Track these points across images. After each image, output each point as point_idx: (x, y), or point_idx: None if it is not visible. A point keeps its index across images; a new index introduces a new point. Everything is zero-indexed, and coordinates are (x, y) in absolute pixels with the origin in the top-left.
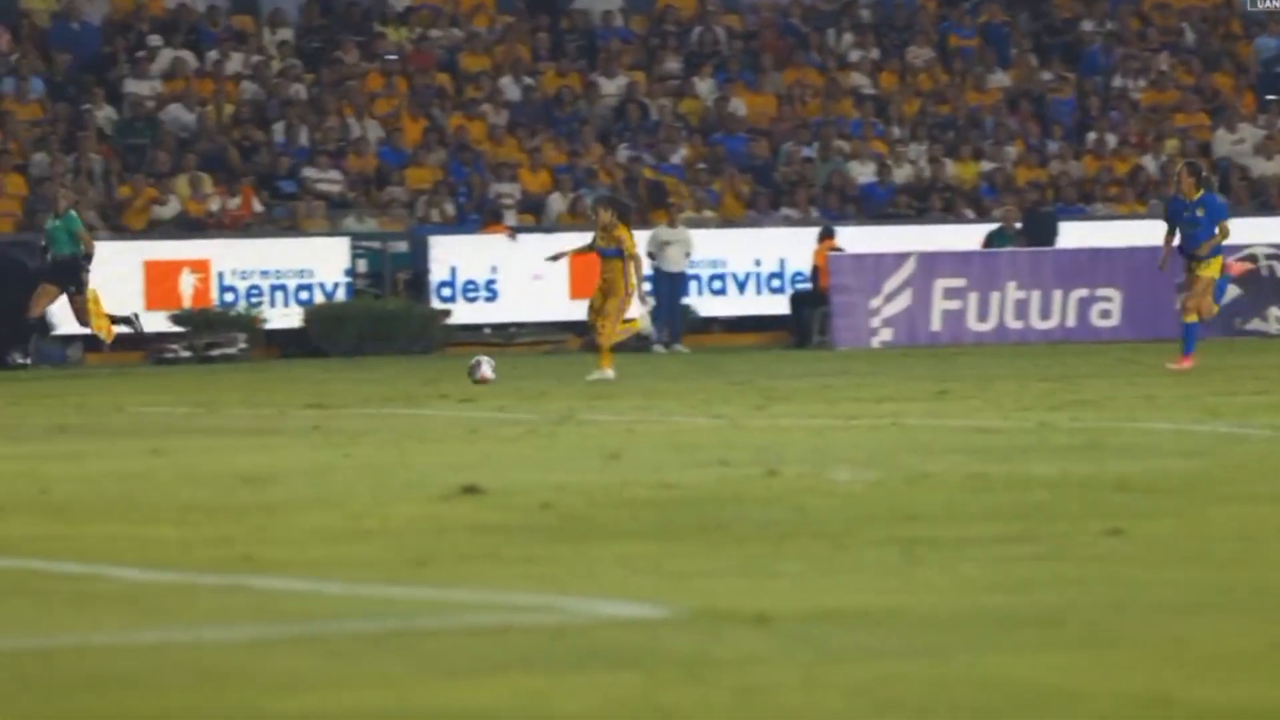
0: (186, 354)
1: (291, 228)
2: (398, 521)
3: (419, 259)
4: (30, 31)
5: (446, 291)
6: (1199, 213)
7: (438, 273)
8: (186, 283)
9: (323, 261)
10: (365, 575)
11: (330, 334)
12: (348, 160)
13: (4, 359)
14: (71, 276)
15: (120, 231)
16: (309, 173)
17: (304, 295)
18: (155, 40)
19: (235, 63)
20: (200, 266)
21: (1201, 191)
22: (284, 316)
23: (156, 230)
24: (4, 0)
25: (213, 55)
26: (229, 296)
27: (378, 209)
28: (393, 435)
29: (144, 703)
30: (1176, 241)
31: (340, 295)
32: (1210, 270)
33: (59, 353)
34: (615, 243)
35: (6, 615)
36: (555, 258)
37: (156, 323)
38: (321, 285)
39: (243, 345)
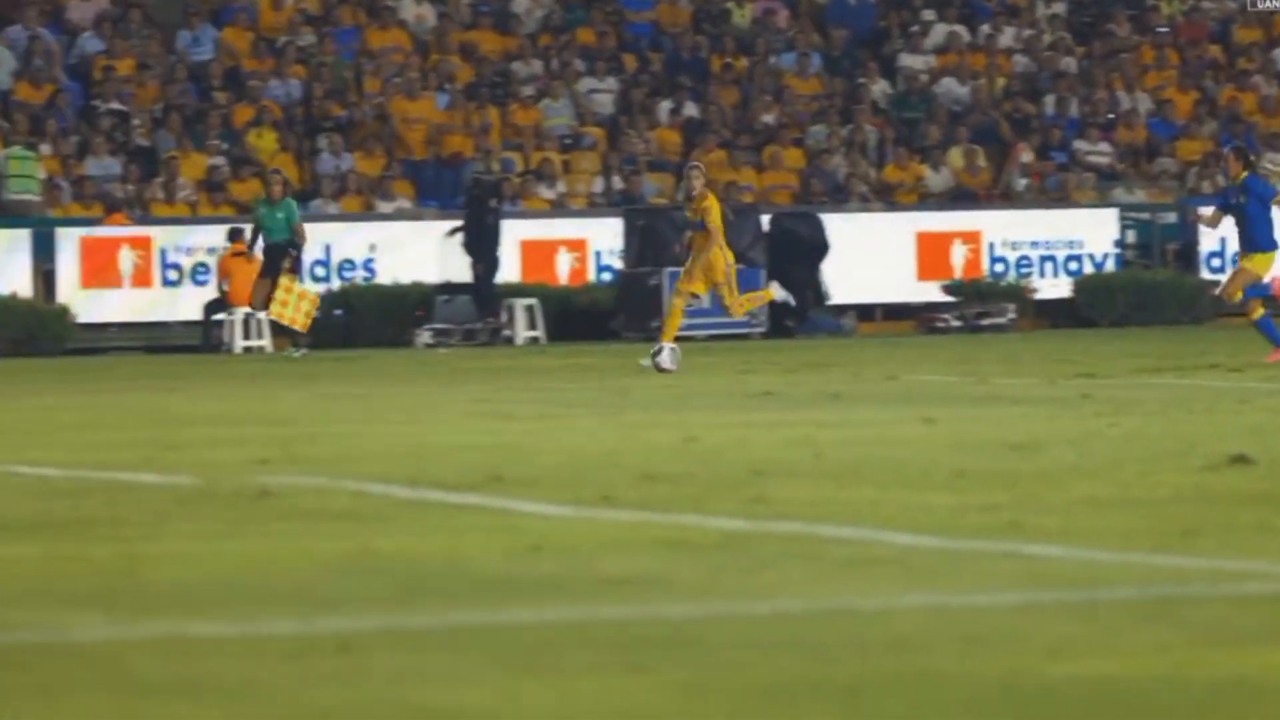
0: (957, 323)
1: (1061, 199)
2: (1164, 491)
3: (1188, 231)
4: (808, 8)
5: (1216, 262)
6: (1241, 198)
7: (1207, 244)
8: (958, 254)
9: (1092, 232)
10: (1132, 544)
11: (1098, 304)
12: (1117, 132)
13: (801, 328)
14: (278, 263)
15: (892, 204)
16: (1079, 145)
17: (1073, 266)
18: (929, 15)
19: (1007, 37)
20: (971, 238)
21: (1246, 173)
22: (1053, 287)
23: (928, 202)
24: None
25: (985, 29)
26: (999, 267)
27: (1147, 180)
28: (1160, 405)
29: (909, 662)
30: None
31: (1109, 266)
32: (1255, 264)
33: (834, 322)
34: (701, 214)
35: (781, 577)
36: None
37: (928, 293)
38: (1090, 256)
39: (1011, 315)
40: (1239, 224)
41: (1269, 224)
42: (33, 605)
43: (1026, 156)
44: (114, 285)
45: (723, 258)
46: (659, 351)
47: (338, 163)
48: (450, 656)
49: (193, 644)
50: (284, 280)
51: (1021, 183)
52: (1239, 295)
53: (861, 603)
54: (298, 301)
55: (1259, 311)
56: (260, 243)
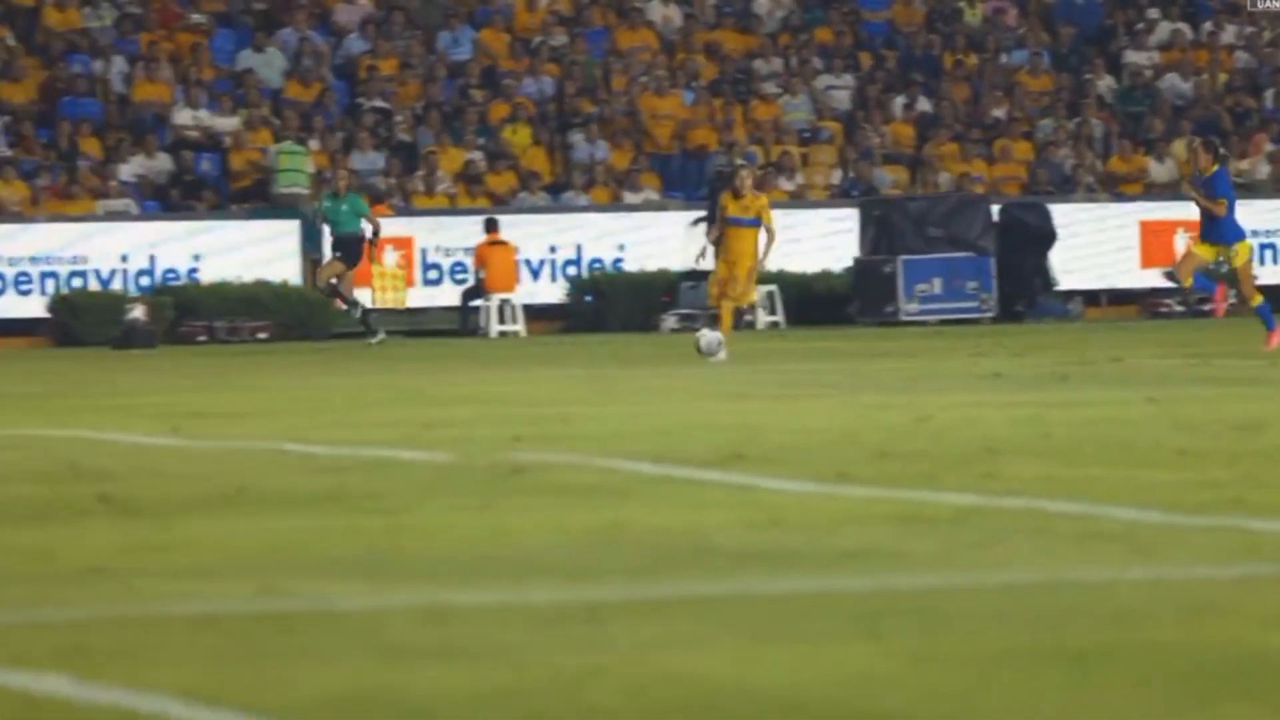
0: (1179, 309)
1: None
2: None
3: None
4: (1036, 7)
5: None
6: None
7: None
8: (1180, 242)
9: None
10: None
11: None
12: None
13: (1029, 313)
14: (354, 254)
15: (1117, 194)
16: None
17: None
18: (1153, 14)
19: (1229, 34)
20: (1193, 227)
21: (1217, 166)
22: (1272, 271)
23: (1151, 192)
24: None
25: (1207, 27)
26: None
27: None
28: None
29: (1133, 633)
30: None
31: None
32: (1204, 252)
33: (1061, 307)
34: (758, 212)
35: (1010, 551)
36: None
37: (1151, 279)
38: None
39: (1232, 300)
40: (1209, 216)
41: (1233, 217)
42: (301, 575)
43: (1269, 146)
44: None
45: (756, 255)
46: (712, 344)
47: (590, 153)
48: (693, 625)
49: (449, 611)
50: (376, 269)
51: (1264, 171)
52: (1190, 280)
53: (1087, 575)
54: (393, 283)
55: (1258, 297)
56: (328, 236)
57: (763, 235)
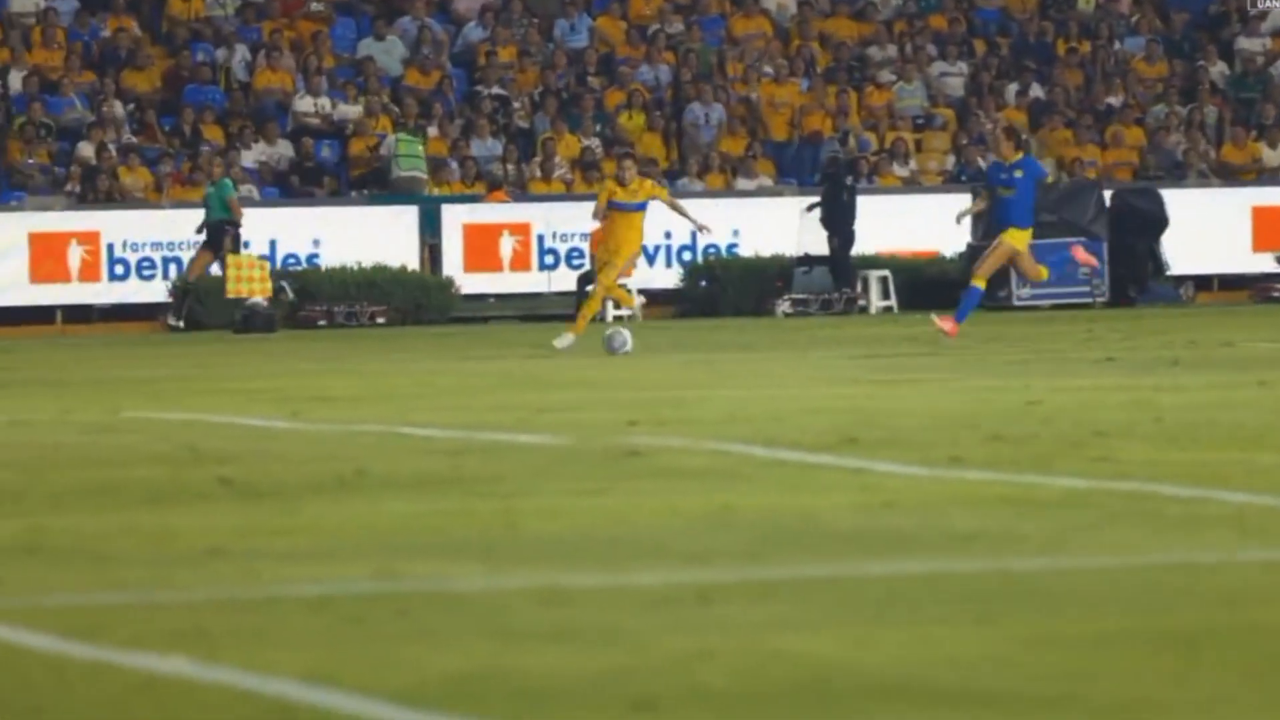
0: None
1: None
2: None
3: None
4: None
5: None
6: (1016, 174)
7: None
8: None
9: None
10: None
11: None
12: None
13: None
14: (218, 241)
15: (1228, 180)
16: None
17: None
18: (1266, 1)
19: None
20: None
21: (1020, 154)
22: None
23: (1263, 178)
24: None
25: None
26: None
27: None
28: None
29: (1244, 614)
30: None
31: None
32: (1014, 240)
33: (1172, 292)
34: (645, 195)
35: (1122, 534)
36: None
37: (1263, 264)
38: None
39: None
40: (1003, 202)
41: (1031, 204)
42: (418, 557)
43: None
44: (494, 270)
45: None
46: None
47: (706, 140)
48: (805, 607)
49: (563, 593)
50: (231, 259)
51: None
52: (1044, 271)
53: (1198, 557)
54: (248, 275)
55: (981, 282)
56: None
57: (664, 216)
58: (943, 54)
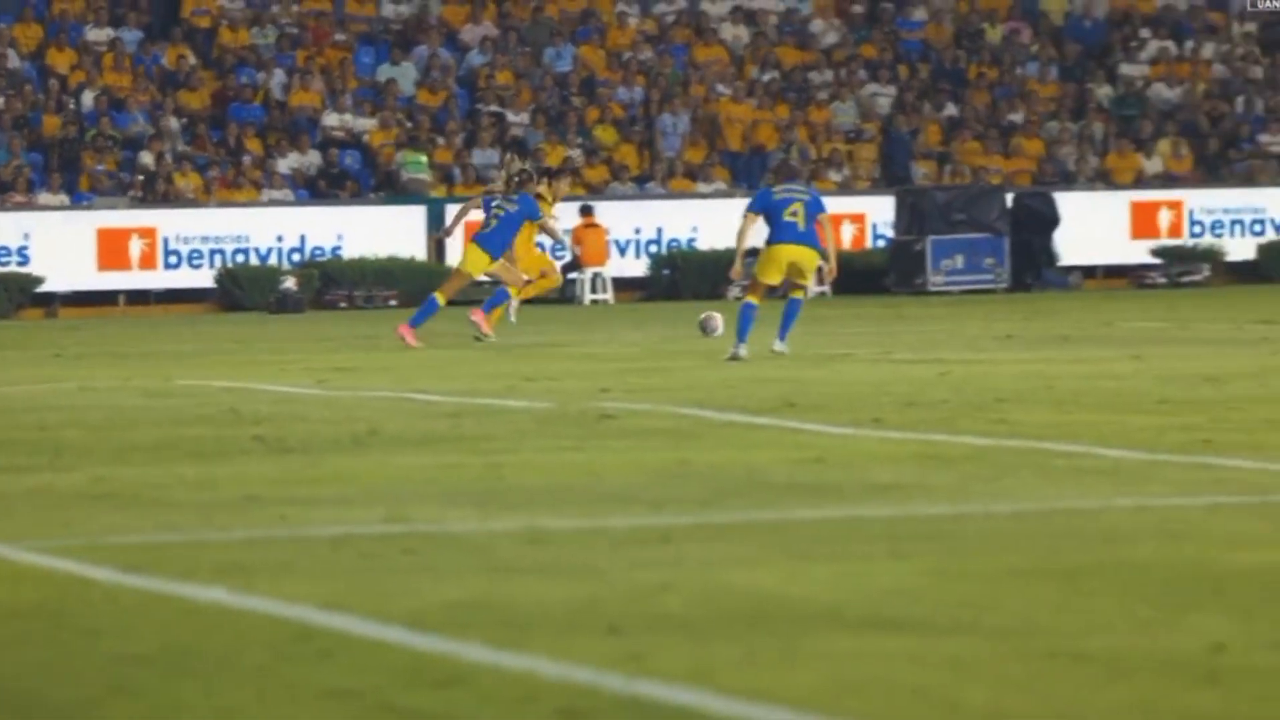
0: (1162, 280)
1: (1248, 179)
2: None
3: None
4: (1047, 27)
5: None
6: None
7: None
8: (1164, 219)
9: (1273, 205)
10: None
11: (1277, 265)
12: None
13: (1037, 284)
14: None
15: (1112, 184)
16: (1263, 137)
17: (1258, 229)
18: (1145, 33)
19: (1207, 50)
20: (1175, 206)
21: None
22: (1240, 249)
23: (1139, 183)
24: (1027, 3)
25: (1190, 44)
26: (1197, 229)
27: None
28: None
29: (1118, 552)
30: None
31: None
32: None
33: (1063, 280)
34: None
35: (1016, 483)
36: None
37: (1139, 253)
38: (1272, 221)
39: (1206, 273)
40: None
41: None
42: (421, 503)
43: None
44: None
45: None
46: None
47: (671, 150)
48: (749, 546)
49: (544, 534)
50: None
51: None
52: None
53: (1080, 504)
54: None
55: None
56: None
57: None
58: (873, 77)
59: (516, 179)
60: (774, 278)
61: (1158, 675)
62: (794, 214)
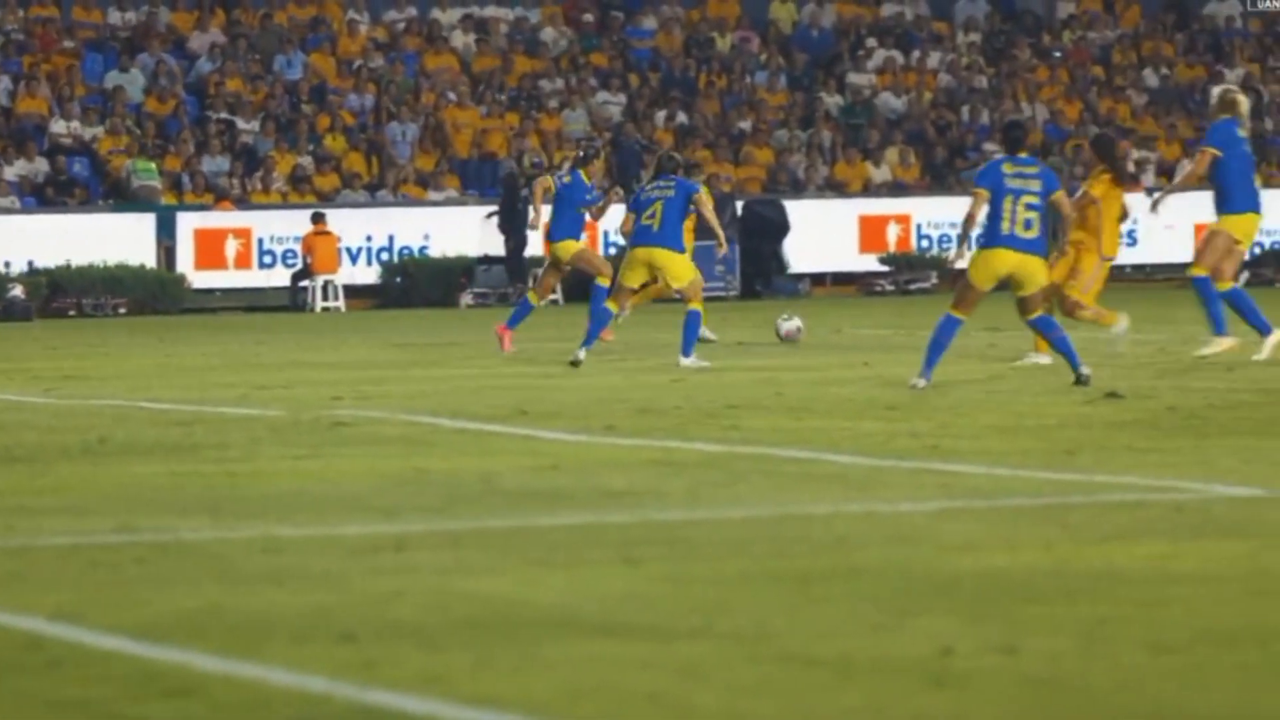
0: (890, 288)
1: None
2: (1052, 419)
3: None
4: (776, 36)
5: None
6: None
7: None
8: (892, 232)
9: None
10: (1026, 461)
11: None
12: None
13: (767, 291)
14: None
15: (841, 192)
16: (989, 146)
17: (981, 240)
18: (872, 42)
19: (933, 59)
20: (903, 220)
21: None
22: (964, 258)
23: (870, 191)
24: (756, 12)
25: (916, 54)
26: (924, 243)
27: None
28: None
29: (848, 557)
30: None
31: None
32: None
33: (793, 286)
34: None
35: (748, 489)
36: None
37: (868, 263)
38: None
39: (934, 281)
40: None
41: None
42: (153, 512)
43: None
44: (220, 268)
45: None
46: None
47: (402, 157)
48: (484, 553)
49: (280, 542)
50: None
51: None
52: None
53: (811, 509)
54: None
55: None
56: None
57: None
58: (604, 85)
59: (571, 162)
60: (636, 280)
61: (888, 678)
62: (651, 216)
